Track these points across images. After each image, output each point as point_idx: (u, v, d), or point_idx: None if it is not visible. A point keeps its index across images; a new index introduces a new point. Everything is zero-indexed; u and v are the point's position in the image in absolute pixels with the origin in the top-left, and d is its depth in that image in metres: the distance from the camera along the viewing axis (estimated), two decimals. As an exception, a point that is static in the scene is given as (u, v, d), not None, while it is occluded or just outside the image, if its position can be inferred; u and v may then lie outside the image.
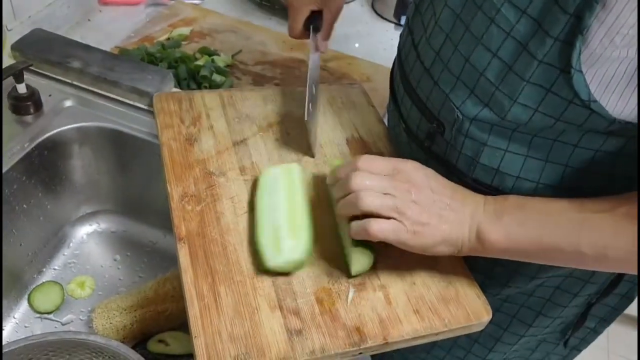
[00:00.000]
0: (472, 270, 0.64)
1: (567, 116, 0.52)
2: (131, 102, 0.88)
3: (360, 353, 0.56)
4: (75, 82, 0.89)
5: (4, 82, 0.77)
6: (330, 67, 1.09)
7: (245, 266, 0.59)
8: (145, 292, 0.80)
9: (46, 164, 0.84)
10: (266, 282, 0.59)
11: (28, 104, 0.82)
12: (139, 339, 0.79)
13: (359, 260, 0.60)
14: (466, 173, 0.63)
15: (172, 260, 0.89)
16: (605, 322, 0.77)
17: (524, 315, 0.76)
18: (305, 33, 0.80)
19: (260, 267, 0.59)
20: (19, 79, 0.79)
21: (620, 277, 0.70)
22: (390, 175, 0.57)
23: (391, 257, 0.63)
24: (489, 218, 0.56)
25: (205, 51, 1.05)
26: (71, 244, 0.94)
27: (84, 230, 0.96)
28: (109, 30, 1.07)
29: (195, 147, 0.71)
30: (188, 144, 0.71)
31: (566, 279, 0.70)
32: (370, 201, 0.55)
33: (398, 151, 0.76)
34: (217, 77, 0.97)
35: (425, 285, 0.61)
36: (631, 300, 0.75)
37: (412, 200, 0.55)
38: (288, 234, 0.60)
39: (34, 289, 0.86)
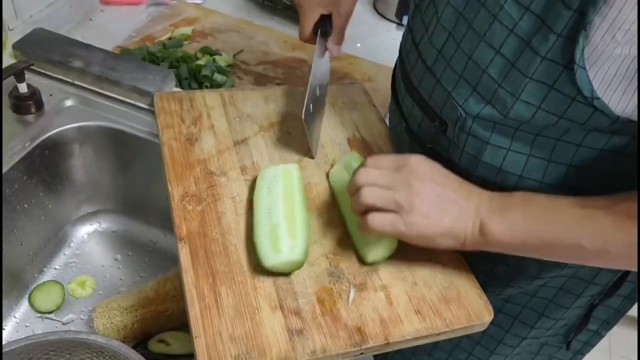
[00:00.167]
0: (474, 269, 0.64)
1: (570, 114, 0.52)
2: (132, 102, 0.88)
3: (362, 353, 0.56)
4: (76, 82, 0.89)
5: (5, 82, 0.77)
6: (331, 67, 1.09)
7: (246, 266, 0.59)
8: (146, 291, 0.80)
9: (47, 164, 0.84)
10: (267, 282, 0.58)
11: (29, 104, 0.82)
12: (139, 339, 0.79)
13: (374, 249, 0.61)
14: (469, 171, 0.63)
15: (172, 260, 0.89)
16: (608, 324, 0.77)
17: (526, 316, 0.75)
18: (314, 37, 0.80)
19: (258, 267, 0.59)
20: (20, 78, 0.79)
21: (623, 278, 0.70)
22: (396, 170, 0.58)
23: (392, 257, 0.63)
24: (493, 212, 0.56)
25: (206, 51, 1.05)
26: (72, 244, 0.94)
27: (84, 230, 0.96)
28: (111, 30, 1.07)
29: (196, 147, 0.71)
30: (189, 144, 0.71)
31: (569, 279, 0.70)
32: (370, 196, 0.57)
33: (399, 150, 0.76)
34: (218, 77, 0.97)
35: (427, 286, 0.61)
36: (634, 302, 0.75)
37: (413, 194, 0.56)
38: (287, 234, 0.60)
39: (34, 288, 0.86)
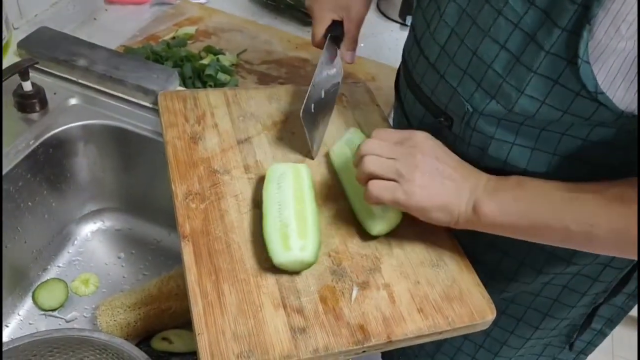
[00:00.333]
0: (479, 262, 0.64)
1: (574, 109, 0.52)
2: (136, 101, 0.88)
3: (364, 351, 0.56)
4: (80, 80, 0.89)
5: (10, 80, 0.77)
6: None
7: (249, 264, 0.59)
8: (149, 289, 0.80)
9: (51, 162, 0.84)
10: (270, 280, 0.58)
11: (34, 102, 0.82)
12: (142, 337, 0.80)
13: (379, 222, 0.63)
14: (475, 163, 0.63)
15: (176, 258, 0.89)
16: (612, 322, 0.77)
17: (530, 317, 0.75)
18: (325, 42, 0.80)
19: (266, 262, 0.59)
20: (25, 76, 0.79)
21: (629, 275, 0.70)
22: (400, 143, 0.60)
23: (394, 256, 0.63)
24: (488, 193, 0.58)
25: (210, 50, 1.05)
26: (76, 242, 0.94)
27: (88, 228, 0.96)
28: (115, 29, 1.07)
29: (200, 146, 0.71)
30: (192, 143, 0.71)
31: (574, 277, 0.70)
32: (372, 164, 0.59)
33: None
34: (222, 76, 0.97)
35: (430, 284, 0.61)
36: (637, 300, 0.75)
37: (414, 165, 0.58)
38: (297, 233, 0.60)
39: (38, 286, 0.86)
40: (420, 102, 0.68)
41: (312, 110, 0.72)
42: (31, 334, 0.63)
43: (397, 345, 0.57)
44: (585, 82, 0.50)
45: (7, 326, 0.83)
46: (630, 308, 0.75)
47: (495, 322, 0.61)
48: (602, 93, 0.50)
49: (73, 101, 0.87)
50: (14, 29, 0.97)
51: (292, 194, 0.64)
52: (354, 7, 0.77)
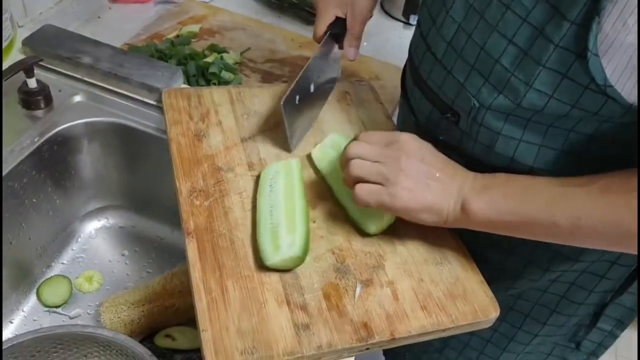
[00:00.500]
0: (484, 261, 0.64)
1: (582, 102, 0.52)
2: (140, 98, 0.88)
3: (367, 348, 0.56)
4: (85, 78, 0.89)
5: (15, 77, 0.77)
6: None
7: (252, 261, 0.60)
8: (153, 287, 0.80)
9: (56, 159, 0.85)
10: (273, 277, 0.59)
11: (38, 99, 0.82)
12: (146, 334, 0.80)
13: (376, 221, 0.64)
14: (481, 161, 0.63)
15: (179, 255, 0.89)
16: (622, 323, 0.76)
17: (538, 313, 0.75)
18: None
19: (263, 265, 0.59)
20: (30, 73, 0.80)
21: (636, 273, 0.69)
22: (386, 146, 0.61)
23: (398, 254, 0.63)
24: (476, 191, 0.59)
25: (214, 48, 1.05)
26: (80, 239, 0.95)
27: (92, 226, 0.96)
28: (119, 28, 1.07)
29: (204, 143, 0.71)
30: (196, 140, 0.71)
31: (581, 274, 0.70)
32: (358, 168, 0.60)
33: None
34: (226, 75, 0.97)
35: (433, 282, 0.61)
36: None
37: (399, 168, 0.59)
38: (286, 229, 0.60)
39: (42, 282, 0.87)
40: (427, 98, 0.68)
41: (297, 102, 0.71)
42: (35, 330, 0.63)
43: (401, 343, 0.57)
44: (594, 75, 0.50)
45: (11, 322, 0.83)
46: (640, 308, 0.75)
47: (502, 318, 0.61)
48: (611, 86, 0.50)
49: (78, 98, 0.87)
50: (19, 26, 0.97)
51: (283, 193, 0.64)
52: (359, 3, 0.77)
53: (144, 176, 0.92)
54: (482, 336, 0.82)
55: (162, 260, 0.93)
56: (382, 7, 1.33)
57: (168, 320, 0.80)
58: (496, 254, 0.70)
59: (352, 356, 0.57)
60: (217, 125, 0.74)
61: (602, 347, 0.81)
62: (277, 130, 0.75)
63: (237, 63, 1.04)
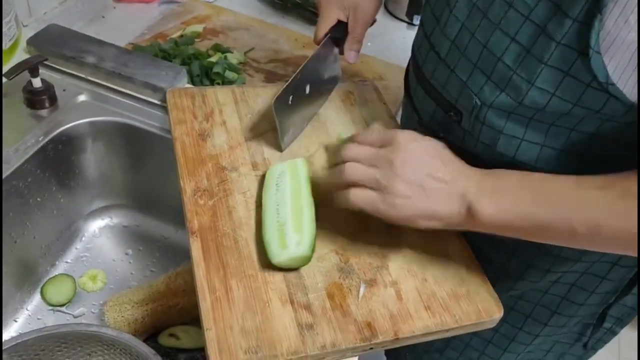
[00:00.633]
0: (487, 262, 0.64)
1: (584, 100, 0.52)
2: (145, 98, 0.88)
3: (371, 348, 0.56)
4: (89, 77, 0.89)
5: (19, 77, 0.78)
6: (342, 66, 1.09)
7: (256, 260, 0.60)
8: (156, 286, 0.81)
9: (60, 158, 0.85)
10: (277, 276, 0.59)
11: (43, 98, 0.82)
12: (150, 333, 0.80)
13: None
14: (484, 160, 0.63)
15: (183, 255, 0.89)
16: (622, 322, 0.76)
17: (539, 314, 0.75)
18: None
19: (267, 264, 0.59)
20: (34, 73, 0.80)
21: (638, 275, 0.69)
22: (382, 147, 0.58)
23: (402, 254, 0.63)
24: (483, 194, 0.55)
25: (218, 48, 1.05)
26: (84, 238, 0.95)
27: (96, 225, 0.97)
28: (123, 27, 1.07)
29: (208, 143, 0.71)
30: (201, 139, 0.71)
31: (582, 275, 0.70)
32: (353, 172, 0.58)
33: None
34: (229, 74, 0.97)
35: (437, 282, 0.61)
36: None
37: (394, 173, 0.56)
38: (293, 227, 0.60)
39: (46, 281, 0.87)
40: (430, 97, 0.68)
41: (289, 102, 0.71)
42: (39, 328, 0.63)
43: (404, 343, 0.57)
44: (597, 72, 0.49)
45: (15, 321, 0.84)
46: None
47: (503, 319, 0.61)
48: (613, 84, 0.50)
49: (82, 98, 0.87)
50: (24, 26, 0.98)
51: (290, 192, 0.64)
52: (362, 6, 0.76)
53: (148, 175, 0.92)
54: (483, 337, 0.82)
55: (166, 260, 0.93)
56: (385, 7, 1.33)
57: (172, 320, 0.80)
58: (499, 255, 0.70)
59: (355, 356, 0.57)
60: (221, 125, 0.74)
61: (602, 342, 0.82)
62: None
63: (240, 63, 1.04)
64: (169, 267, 0.87)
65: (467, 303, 0.60)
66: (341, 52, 0.80)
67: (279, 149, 0.72)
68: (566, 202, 0.53)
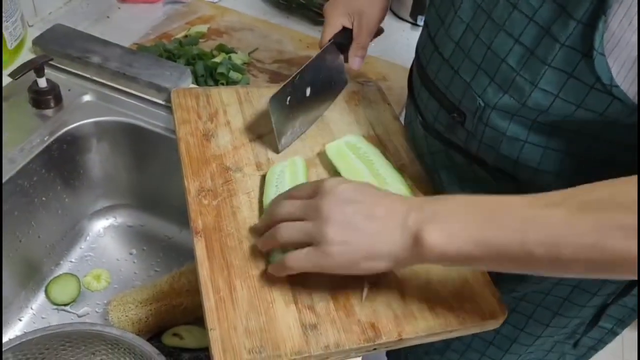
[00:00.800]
0: None
1: (588, 103, 0.52)
2: (149, 98, 0.89)
3: (375, 349, 0.56)
4: (94, 77, 0.90)
5: (25, 77, 0.78)
6: (346, 68, 1.09)
7: (260, 260, 0.60)
8: (160, 285, 0.81)
9: (65, 158, 0.85)
10: (281, 276, 0.59)
11: (48, 98, 0.83)
12: (154, 332, 0.80)
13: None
14: (486, 162, 0.63)
15: (187, 255, 0.89)
16: (624, 323, 0.76)
17: (540, 315, 0.75)
18: None
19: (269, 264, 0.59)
20: (40, 73, 0.80)
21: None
22: (310, 197, 0.55)
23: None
24: (428, 221, 0.50)
25: (222, 49, 1.05)
26: (88, 237, 0.95)
27: (100, 224, 0.97)
28: (128, 28, 1.08)
29: (212, 143, 0.71)
30: (205, 140, 0.71)
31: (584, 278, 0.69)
32: (285, 232, 0.55)
33: (414, 147, 0.77)
34: (234, 75, 0.98)
35: (441, 283, 0.61)
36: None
37: (323, 220, 0.52)
38: None
39: (51, 281, 0.87)
40: (434, 98, 0.68)
41: (287, 103, 0.70)
42: (44, 327, 0.63)
43: (408, 343, 0.57)
44: (600, 74, 0.49)
45: (20, 320, 0.84)
46: (643, 309, 0.75)
47: (505, 320, 0.61)
48: (617, 86, 0.50)
49: (87, 98, 0.88)
50: (29, 26, 0.98)
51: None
52: (367, 13, 0.77)
53: (152, 175, 0.93)
54: (484, 338, 0.82)
55: (170, 259, 0.93)
56: (389, 8, 1.33)
57: (176, 319, 0.80)
58: None
59: (359, 356, 0.57)
60: (226, 125, 0.74)
61: (602, 342, 0.81)
62: (285, 130, 0.75)
63: (245, 63, 1.04)
64: (173, 267, 0.87)
65: (471, 304, 0.60)
66: (346, 60, 0.80)
67: (276, 150, 0.72)
68: (519, 222, 0.47)
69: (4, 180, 0.75)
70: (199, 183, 0.66)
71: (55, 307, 0.86)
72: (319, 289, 0.58)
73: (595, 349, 0.82)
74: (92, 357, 0.68)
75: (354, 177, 0.66)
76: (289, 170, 0.67)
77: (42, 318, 0.85)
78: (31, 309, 0.85)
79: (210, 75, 0.98)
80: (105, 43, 0.92)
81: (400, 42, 1.22)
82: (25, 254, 0.83)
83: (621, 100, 0.50)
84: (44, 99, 0.83)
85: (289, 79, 0.70)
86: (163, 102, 0.88)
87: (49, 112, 0.83)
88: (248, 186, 0.67)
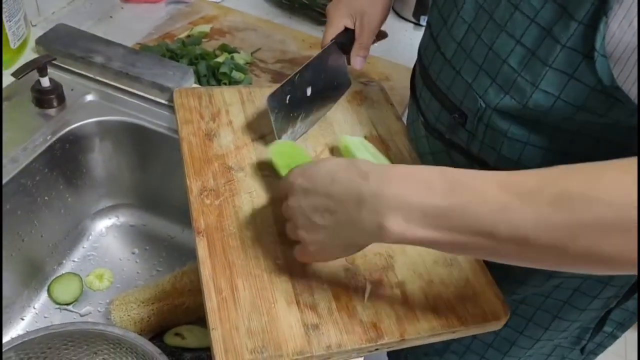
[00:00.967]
0: (489, 266, 0.64)
1: (588, 104, 0.52)
2: (152, 97, 0.89)
3: (377, 349, 0.56)
4: (97, 77, 0.90)
5: (28, 76, 0.78)
6: (349, 66, 1.09)
7: (262, 260, 0.60)
8: (162, 285, 0.81)
9: (68, 157, 0.85)
10: (283, 276, 0.59)
11: (51, 98, 0.83)
12: (156, 332, 0.80)
13: None
14: (488, 163, 0.63)
15: (189, 254, 0.90)
16: (624, 326, 0.76)
17: (540, 318, 0.75)
18: None
19: (280, 259, 0.59)
20: (43, 72, 0.80)
21: None
22: (284, 198, 0.57)
23: (408, 255, 0.63)
24: (387, 206, 0.46)
25: (225, 48, 1.05)
26: (90, 237, 0.95)
27: (103, 224, 0.97)
28: (131, 27, 1.08)
29: (215, 143, 0.71)
30: (207, 139, 0.71)
31: (585, 281, 0.69)
32: (287, 231, 0.58)
33: (416, 147, 0.76)
34: (236, 75, 0.98)
35: (443, 284, 0.61)
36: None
37: (294, 224, 0.55)
38: None
39: (53, 280, 0.87)
40: (436, 98, 0.68)
41: (287, 102, 0.70)
42: (46, 327, 0.63)
43: (410, 344, 0.57)
44: (601, 76, 0.49)
45: (22, 319, 0.84)
46: (644, 312, 0.75)
47: (504, 322, 0.61)
48: (618, 88, 0.49)
49: (90, 97, 0.88)
50: (32, 25, 0.98)
51: None
52: (369, 13, 0.76)
53: (154, 175, 0.93)
54: (484, 340, 0.81)
55: (172, 259, 0.93)
56: (392, 8, 1.33)
57: (178, 319, 0.80)
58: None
59: (361, 357, 0.57)
60: (228, 125, 0.74)
61: (602, 347, 0.81)
62: (287, 130, 0.75)
63: (247, 63, 1.04)
64: (175, 267, 0.87)
65: (474, 305, 0.60)
66: (348, 61, 0.80)
67: (272, 138, 0.72)
68: (487, 210, 0.43)
69: (6, 180, 0.75)
70: (201, 183, 0.66)
71: (57, 306, 0.86)
72: (321, 289, 0.58)
73: (595, 352, 0.82)
74: (94, 357, 0.68)
75: None
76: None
77: (45, 317, 0.85)
78: (34, 308, 0.85)
79: (212, 75, 0.98)
80: (108, 43, 0.92)
81: (403, 42, 1.22)
82: (27, 253, 0.83)
83: (622, 102, 0.50)
84: (47, 99, 0.83)
85: (289, 78, 0.70)
86: (166, 102, 0.88)
87: (51, 111, 0.84)
88: (250, 186, 0.67)
